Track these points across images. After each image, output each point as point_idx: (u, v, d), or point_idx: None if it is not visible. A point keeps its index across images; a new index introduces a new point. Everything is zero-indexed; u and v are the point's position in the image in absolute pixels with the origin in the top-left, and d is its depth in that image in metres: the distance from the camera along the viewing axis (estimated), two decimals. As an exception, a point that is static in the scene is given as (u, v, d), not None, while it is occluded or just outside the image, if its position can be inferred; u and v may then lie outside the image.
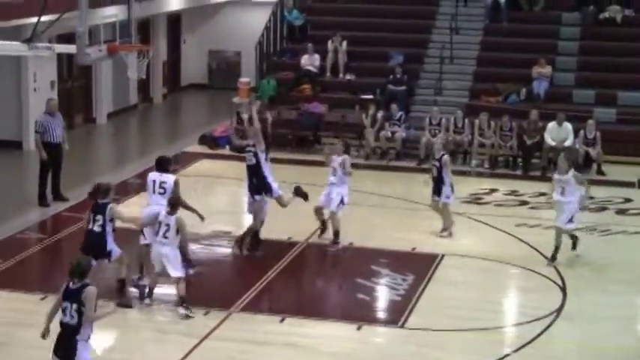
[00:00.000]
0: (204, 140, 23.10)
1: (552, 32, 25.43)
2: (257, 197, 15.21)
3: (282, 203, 15.60)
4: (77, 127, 24.27)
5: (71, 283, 9.63)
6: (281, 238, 16.10)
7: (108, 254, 13.07)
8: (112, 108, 26.01)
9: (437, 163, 16.40)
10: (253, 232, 15.46)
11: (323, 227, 16.30)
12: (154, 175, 14.15)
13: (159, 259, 13.02)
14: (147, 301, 13.38)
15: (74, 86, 24.59)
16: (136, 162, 21.59)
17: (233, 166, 19.69)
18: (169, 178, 14.04)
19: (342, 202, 15.96)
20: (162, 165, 14.20)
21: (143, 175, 19.98)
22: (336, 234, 16.08)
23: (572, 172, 15.06)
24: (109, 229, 12.98)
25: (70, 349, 9.54)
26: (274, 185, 15.37)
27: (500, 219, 17.64)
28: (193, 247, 14.84)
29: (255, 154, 15.26)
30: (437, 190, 16.47)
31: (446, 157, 16.44)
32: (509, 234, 16.79)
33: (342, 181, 16.01)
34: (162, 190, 13.96)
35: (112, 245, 13.12)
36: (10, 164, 21.02)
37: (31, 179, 18.51)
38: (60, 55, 21.51)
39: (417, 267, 15.08)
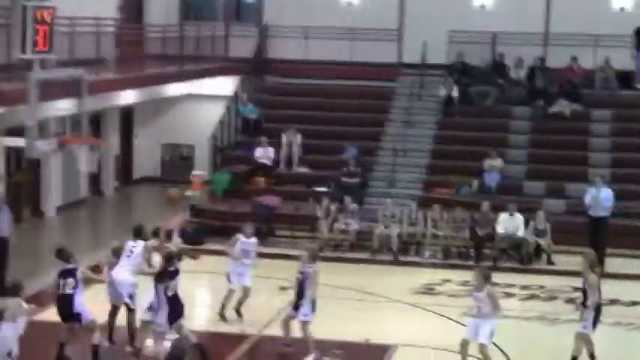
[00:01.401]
0: (156, 233, 22.80)
1: (503, 126, 25.80)
2: None
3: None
4: (25, 221, 23.93)
5: None
6: (234, 331, 15.89)
7: (77, 317, 13.82)
8: (61, 201, 25.76)
9: (300, 276, 14.85)
10: None
11: None
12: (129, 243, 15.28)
13: None
14: None
15: (23, 179, 24.29)
16: (86, 256, 21.23)
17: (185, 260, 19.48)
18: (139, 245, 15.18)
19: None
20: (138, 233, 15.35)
21: (92, 270, 19.77)
22: None
23: (487, 288, 13.96)
24: (78, 291, 13.85)
25: None
26: None
27: (454, 309, 17.53)
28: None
29: None
30: (296, 305, 14.85)
31: (310, 271, 14.79)
32: (462, 324, 16.63)
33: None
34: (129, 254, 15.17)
35: (81, 308, 13.85)
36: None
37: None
38: (8, 148, 21.27)
39: (371, 358, 14.96)
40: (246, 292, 16.78)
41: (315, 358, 14.68)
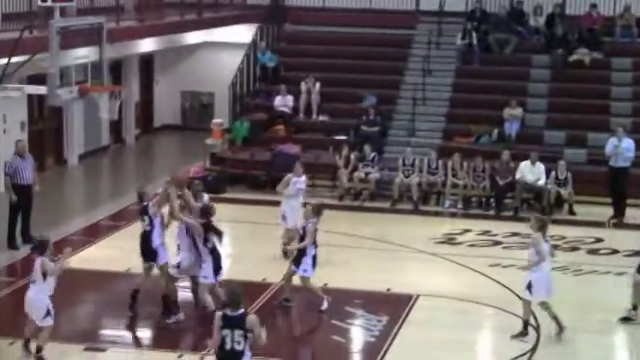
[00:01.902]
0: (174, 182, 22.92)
1: (523, 74, 25.65)
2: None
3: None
4: (48, 169, 24.08)
5: (228, 312, 10.18)
6: (256, 280, 16.04)
7: (154, 254, 13.96)
8: (83, 149, 25.87)
9: (301, 231, 14.95)
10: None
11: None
12: None
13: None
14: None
15: (45, 127, 24.44)
16: (108, 204, 21.47)
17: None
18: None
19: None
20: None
21: (114, 217, 20.03)
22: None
23: (532, 236, 13.87)
24: (155, 228, 13.91)
25: None
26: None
27: (474, 259, 17.65)
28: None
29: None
30: (297, 261, 14.74)
31: (310, 226, 14.68)
32: (482, 274, 16.79)
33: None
34: None
35: (157, 245, 13.95)
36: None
37: (0, 222, 18.15)
38: (30, 96, 21.36)
39: (392, 308, 15.02)
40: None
41: (327, 303, 14.81)
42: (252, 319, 10.27)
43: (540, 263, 13.66)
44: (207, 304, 13.96)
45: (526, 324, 13.90)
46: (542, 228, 13.77)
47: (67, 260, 12.60)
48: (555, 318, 13.86)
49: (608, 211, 20.72)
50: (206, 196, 15.54)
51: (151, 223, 14.03)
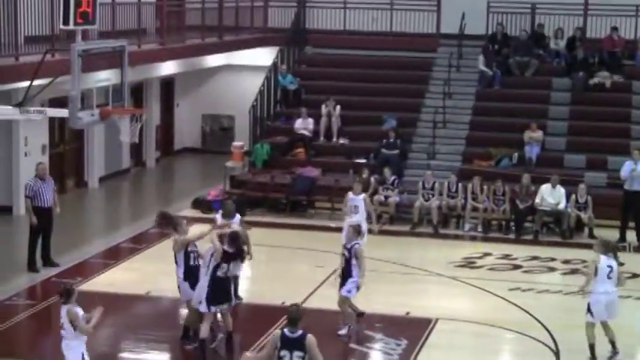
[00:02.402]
0: (197, 204, 23.05)
1: (543, 97, 25.60)
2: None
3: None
4: (69, 192, 24.17)
5: (287, 332, 10.03)
6: (275, 303, 16.03)
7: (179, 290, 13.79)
8: (104, 172, 25.98)
9: (346, 253, 14.75)
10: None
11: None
12: None
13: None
14: None
15: (66, 150, 24.56)
16: (128, 227, 21.51)
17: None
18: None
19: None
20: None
21: (135, 240, 20.07)
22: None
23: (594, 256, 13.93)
24: (178, 263, 13.70)
25: None
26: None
27: (494, 283, 17.57)
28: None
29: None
30: (342, 283, 14.81)
31: (357, 247, 14.62)
32: (502, 298, 16.71)
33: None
34: None
35: (179, 281, 13.76)
36: (-1, 229, 20.83)
37: (21, 244, 18.31)
38: (52, 119, 21.51)
39: (411, 331, 14.98)
40: None
41: (349, 330, 14.76)
42: (310, 340, 10.05)
43: (590, 283, 13.68)
44: (202, 332, 13.49)
45: (592, 348, 13.74)
46: (607, 250, 13.79)
47: (97, 318, 11.66)
48: (612, 342, 13.79)
49: (629, 236, 20.61)
50: (237, 217, 15.52)
51: (175, 260, 13.87)
